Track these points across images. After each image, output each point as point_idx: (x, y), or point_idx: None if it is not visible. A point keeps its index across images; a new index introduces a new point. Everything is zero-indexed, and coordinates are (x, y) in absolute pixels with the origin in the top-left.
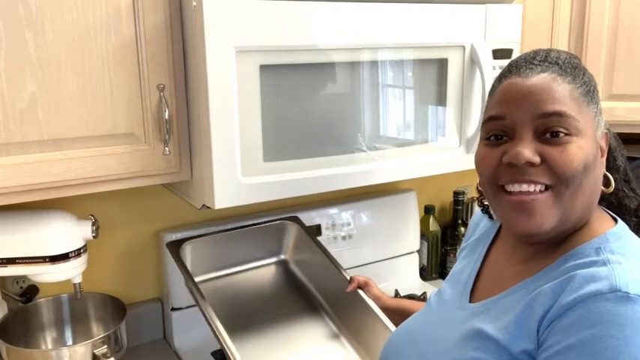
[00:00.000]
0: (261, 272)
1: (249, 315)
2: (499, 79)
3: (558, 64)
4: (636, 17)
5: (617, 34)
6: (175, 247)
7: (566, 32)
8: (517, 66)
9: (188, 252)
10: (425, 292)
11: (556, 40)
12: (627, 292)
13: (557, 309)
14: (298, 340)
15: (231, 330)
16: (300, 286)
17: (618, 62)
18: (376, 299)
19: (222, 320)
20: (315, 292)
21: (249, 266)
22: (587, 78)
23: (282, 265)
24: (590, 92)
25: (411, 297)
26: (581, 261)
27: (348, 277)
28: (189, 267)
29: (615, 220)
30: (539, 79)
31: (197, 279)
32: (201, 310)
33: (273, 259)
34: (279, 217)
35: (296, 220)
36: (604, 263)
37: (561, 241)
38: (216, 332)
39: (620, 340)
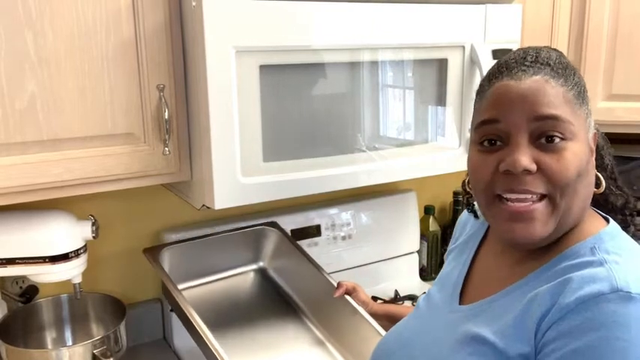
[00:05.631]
0: (241, 279)
1: (230, 324)
2: (488, 79)
3: (550, 64)
4: (636, 17)
5: (617, 34)
6: (154, 253)
7: (566, 32)
8: (508, 67)
9: (166, 259)
10: (425, 293)
11: (556, 40)
12: (629, 292)
13: (556, 311)
14: (282, 348)
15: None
16: (281, 292)
17: (618, 62)
18: (363, 305)
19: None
20: (297, 298)
21: (228, 274)
22: (578, 78)
23: (263, 271)
24: (581, 94)
25: (410, 297)
26: (577, 261)
27: (333, 282)
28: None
29: (606, 220)
30: (532, 81)
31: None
32: (182, 314)
33: (253, 266)
34: (257, 222)
35: (275, 225)
36: (601, 263)
37: (553, 242)
38: (201, 333)
39: (627, 342)
